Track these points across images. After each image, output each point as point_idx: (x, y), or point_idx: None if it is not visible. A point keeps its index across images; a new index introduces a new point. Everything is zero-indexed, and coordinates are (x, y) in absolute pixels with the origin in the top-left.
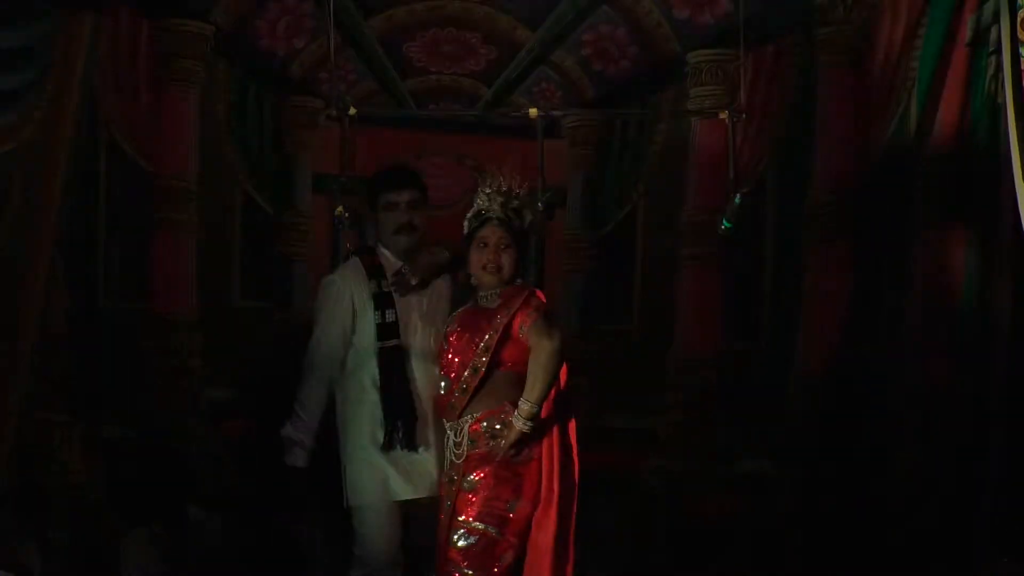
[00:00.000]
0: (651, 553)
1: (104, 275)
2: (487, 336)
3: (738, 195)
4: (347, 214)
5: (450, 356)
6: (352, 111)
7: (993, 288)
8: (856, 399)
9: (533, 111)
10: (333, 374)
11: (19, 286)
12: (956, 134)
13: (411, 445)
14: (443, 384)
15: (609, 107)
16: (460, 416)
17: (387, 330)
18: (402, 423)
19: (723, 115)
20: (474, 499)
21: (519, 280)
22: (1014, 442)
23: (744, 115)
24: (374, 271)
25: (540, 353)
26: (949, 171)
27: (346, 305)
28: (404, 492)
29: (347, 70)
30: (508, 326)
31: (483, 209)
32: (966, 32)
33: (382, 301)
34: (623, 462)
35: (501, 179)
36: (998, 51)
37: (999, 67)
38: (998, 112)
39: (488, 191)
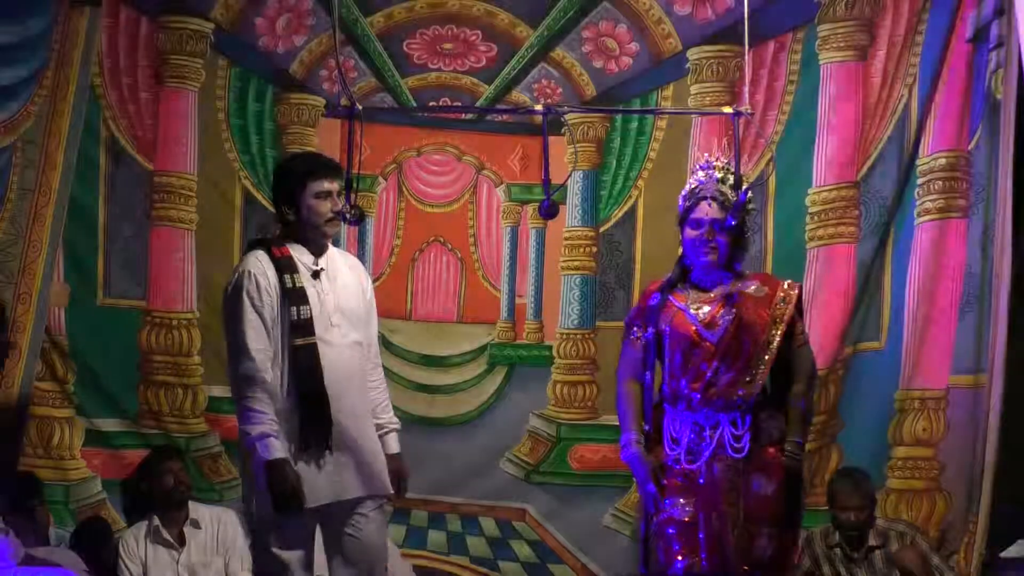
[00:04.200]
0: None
1: (103, 272)
2: (771, 331)
3: (742, 192)
4: (353, 210)
5: (722, 341)
6: (359, 107)
7: (992, 284)
8: (855, 395)
9: (539, 107)
10: (269, 368)
11: (18, 282)
12: (956, 130)
13: (327, 446)
14: (714, 369)
15: (609, 104)
16: (741, 408)
17: (301, 327)
18: (317, 423)
19: (728, 110)
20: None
21: (737, 264)
22: (1013, 439)
23: (751, 112)
24: (284, 265)
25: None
26: (949, 167)
27: (265, 298)
28: (323, 496)
29: (347, 67)
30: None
31: (696, 187)
32: (967, 28)
33: (295, 296)
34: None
35: (716, 156)
36: (998, 47)
37: (999, 63)
38: (998, 109)
39: (703, 169)
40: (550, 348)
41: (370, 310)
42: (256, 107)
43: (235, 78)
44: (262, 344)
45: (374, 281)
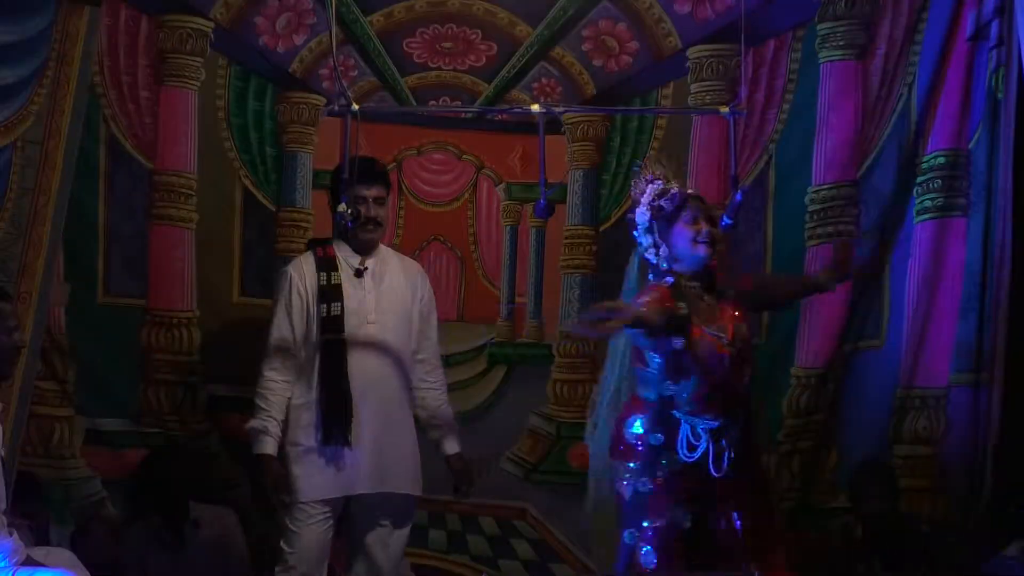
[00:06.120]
0: None
1: (103, 271)
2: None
3: (739, 191)
4: (350, 211)
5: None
6: (355, 107)
7: (992, 283)
8: (855, 394)
9: (535, 106)
10: (289, 364)
11: (18, 281)
12: (956, 129)
13: (346, 441)
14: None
15: (609, 102)
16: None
17: (331, 323)
18: (338, 418)
19: (724, 110)
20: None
21: None
22: (1014, 438)
23: (745, 111)
24: (324, 263)
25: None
26: (949, 166)
27: (295, 297)
28: (334, 489)
29: (347, 66)
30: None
31: (674, 189)
32: (967, 27)
33: (328, 294)
34: None
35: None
36: (999, 46)
37: (999, 62)
38: (998, 107)
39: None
40: (550, 347)
41: (426, 314)
42: (256, 106)
43: (235, 77)
44: (285, 347)
45: None
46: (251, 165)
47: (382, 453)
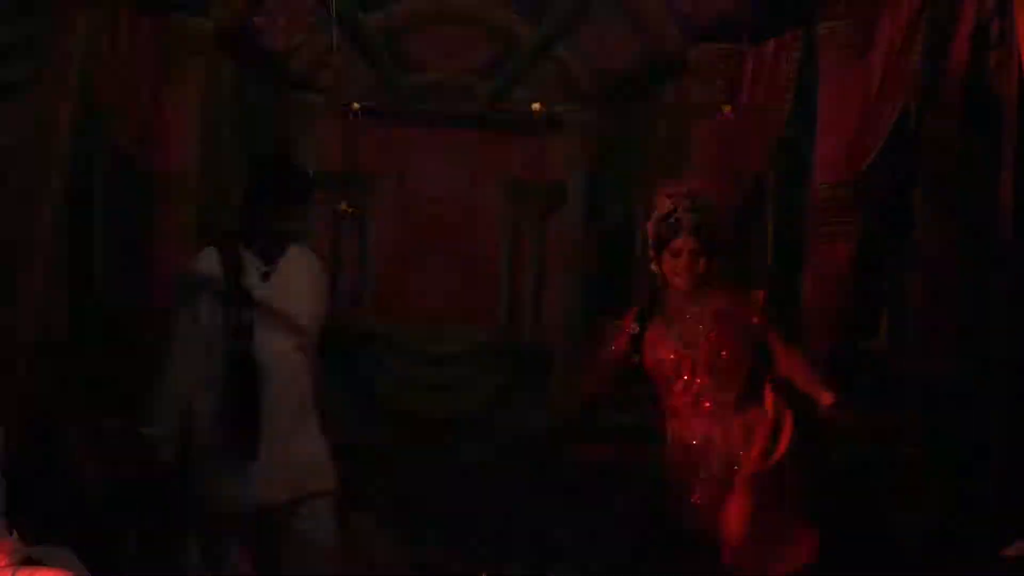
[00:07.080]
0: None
1: (103, 271)
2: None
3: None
4: (351, 209)
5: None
6: (356, 106)
7: (992, 280)
8: (857, 392)
9: (536, 106)
10: (192, 368)
11: (18, 281)
12: (956, 128)
13: (253, 454)
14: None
15: (609, 102)
16: None
17: (239, 331)
18: (245, 429)
19: (727, 109)
20: None
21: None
22: (1014, 431)
23: (747, 110)
24: (231, 266)
25: None
26: (949, 164)
27: (203, 301)
28: (246, 499)
29: (347, 65)
30: None
31: (673, 217)
32: (967, 27)
33: (236, 296)
34: (624, 458)
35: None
36: (999, 46)
37: (999, 62)
38: (999, 107)
39: (671, 193)
40: (550, 347)
41: (324, 307)
42: (256, 106)
43: (234, 77)
44: (189, 350)
45: (375, 279)
46: (251, 165)
47: (292, 460)
